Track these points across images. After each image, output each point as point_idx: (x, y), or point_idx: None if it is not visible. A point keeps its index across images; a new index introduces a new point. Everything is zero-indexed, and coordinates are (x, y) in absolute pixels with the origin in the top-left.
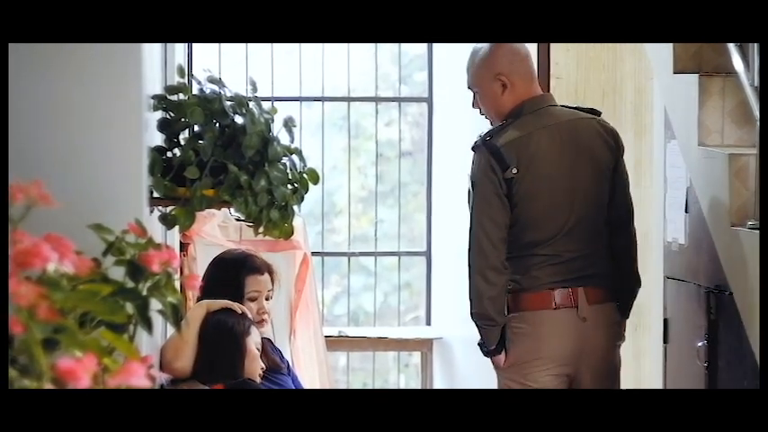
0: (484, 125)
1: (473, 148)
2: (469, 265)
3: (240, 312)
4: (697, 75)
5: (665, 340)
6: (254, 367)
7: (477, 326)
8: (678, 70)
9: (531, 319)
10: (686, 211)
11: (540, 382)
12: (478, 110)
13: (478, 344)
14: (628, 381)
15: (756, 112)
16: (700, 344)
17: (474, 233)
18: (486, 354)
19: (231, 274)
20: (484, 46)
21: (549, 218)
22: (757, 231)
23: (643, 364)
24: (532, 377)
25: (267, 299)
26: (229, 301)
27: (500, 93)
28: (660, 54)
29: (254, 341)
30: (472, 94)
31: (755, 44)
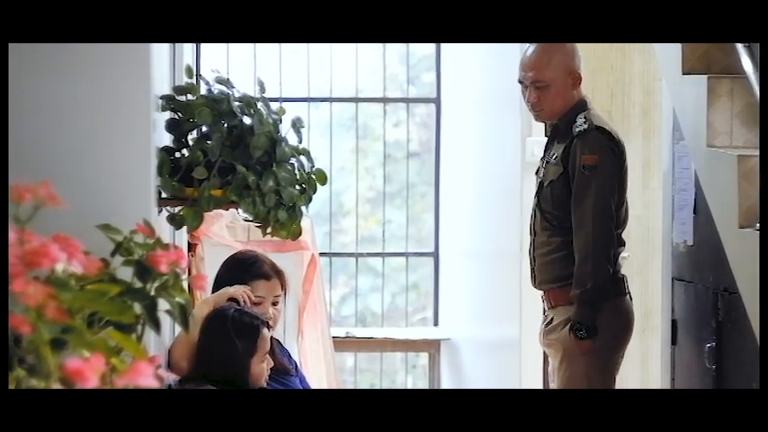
0: (491, 126)
1: (585, 133)
2: (592, 245)
3: (243, 300)
4: (706, 76)
5: (673, 342)
6: (261, 369)
7: (590, 305)
8: (687, 71)
9: (624, 307)
10: (694, 213)
11: (618, 366)
12: (530, 103)
13: (582, 328)
14: (635, 382)
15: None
16: (708, 345)
17: (599, 214)
18: (585, 336)
19: (236, 276)
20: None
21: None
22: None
23: (651, 365)
24: (615, 363)
25: (275, 304)
26: (229, 289)
27: (570, 87)
28: (668, 55)
29: (264, 341)
30: (527, 87)
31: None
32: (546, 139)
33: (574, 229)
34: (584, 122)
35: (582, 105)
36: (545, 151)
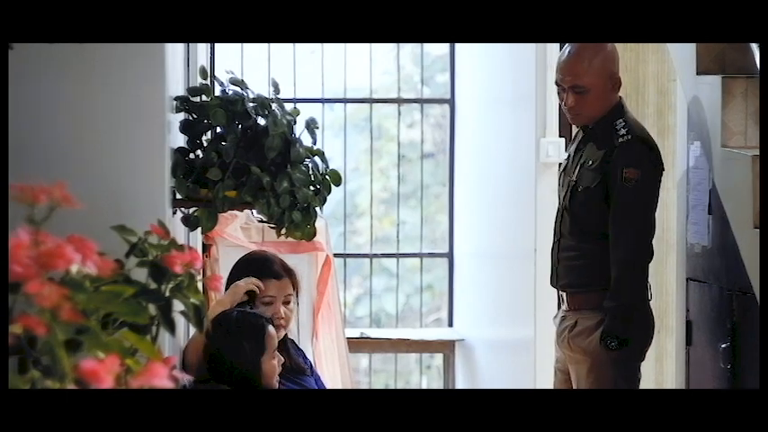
0: (505, 126)
1: (629, 144)
2: (633, 260)
3: (255, 290)
4: (720, 76)
5: (689, 342)
6: (272, 366)
7: (627, 319)
8: (701, 72)
9: (649, 312)
10: (709, 213)
11: (640, 369)
12: (567, 106)
13: (615, 340)
14: (650, 383)
15: None
16: (723, 346)
17: (641, 230)
18: (617, 347)
19: (246, 276)
20: (590, 44)
21: None
22: None
23: (666, 366)
24: (639, 367)
25: (287, 303)
26: (239, 283)
27: (610, 91)
28: (683, 55)
29: (271, 338)
30: (565, 90)
31: None
32: (572, 137)
33: (612, 240)
34: (627, 132)
35: (619, 109)
36: (576, 152)
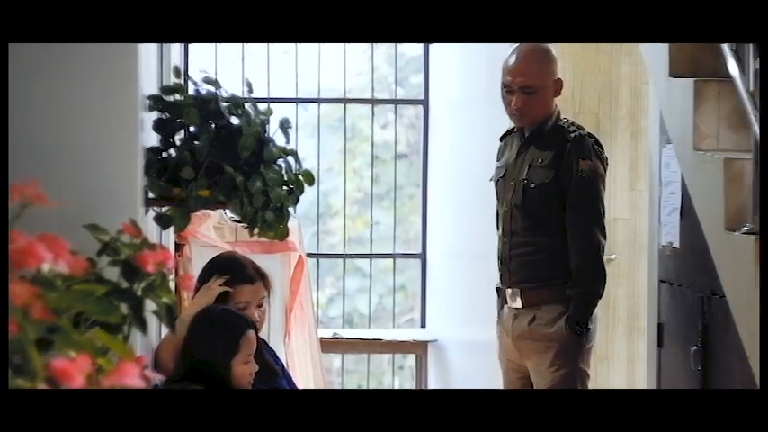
0: (479, 128)
1: (581, 139)
2: (593, 247)
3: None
4: (693, 79)
5: (660, 344)
6: (243, 370)
7: (591, 303)
8: (674, 74)
9: None
10: (681, 216)
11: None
12: (514, 107)
13: (582, 324)
14: (621, 384)
15: (752, 117)
16: (694, 348)
17: (598, 217)
18: (583, 333)
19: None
20: (539, 46)
21: None
22: (752, 236)
23: (637, 367)
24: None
25: (260, 305)
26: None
27: (553, 93)
28: (656, 58)
29: (248, 342)
30: (513, 93)
31: (751, 49)
32: (502, 148)
33: (570, 231)
34: (576, 128)
35: (558, 112)
36: (518, 155)
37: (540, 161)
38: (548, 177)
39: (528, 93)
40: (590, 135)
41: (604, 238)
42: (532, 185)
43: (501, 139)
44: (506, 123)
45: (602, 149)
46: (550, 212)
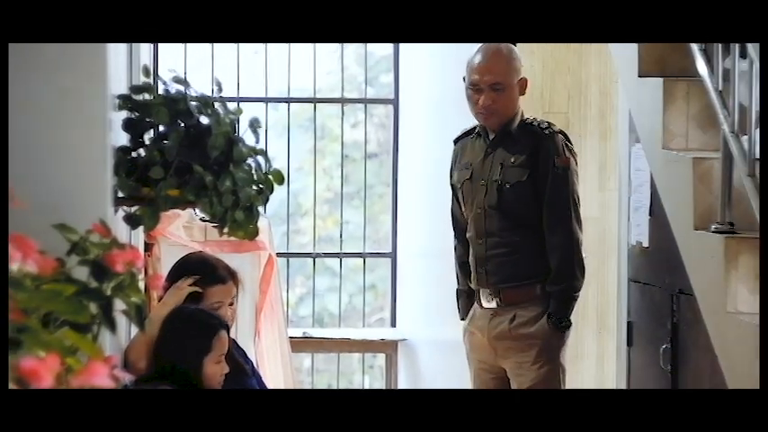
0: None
1: (553, 134)
2: (572, 243)
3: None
4: (662, 78)
5: (629, 343)
6: (215, 370)
7: (573, 299)
8: (643, 74)
9: None
10: (650, 215)
11: None
12: (482, 106)
13: (565, 320)
14: (591, 383)
15: (720, 117)
16: (663, 347)
17: (575, 212)
18: (566, 329)
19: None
20: (504, 45)
21: None
22: (721, 235)
23: (606, 366)
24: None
25: (231, 304)
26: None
27: (518, 92)
28: (625, 57)
29: (221, 342)
30: (480, 91)
31: (720, 48)
32: (459, 153)
33: (549, 227)
34: (548, 125)
35: (521, 111)
36: (485, 157)
37: (512, 161)
38: (523, 176)
39: (496, 90)
40: (562, 131)
41: (582, 231)
42: (508, 185)
43: (455, 141)
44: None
45: (572, 144)
46: (527, 211)
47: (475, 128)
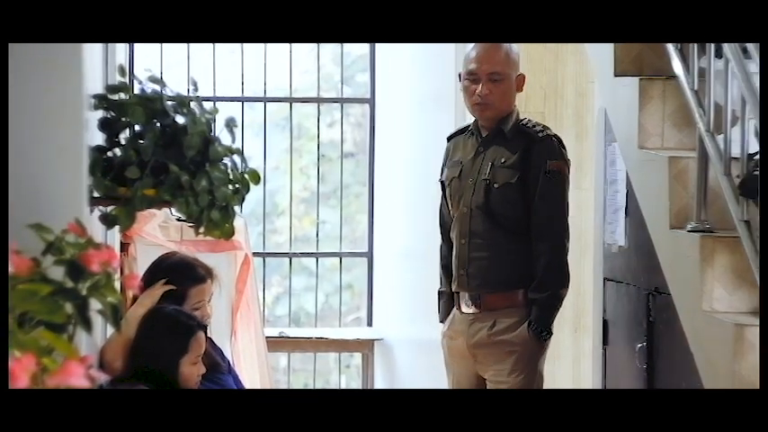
0: (425, 126)
1: (548, 139)
2: (559, 250)
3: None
4: (638, 78)
5: (605, 342)
6: (191, 370)
7: (555, 308)
8: (619, 73)
9: None
10: (626, 214)
11: None
12: (479, 96)
13: (546, 331)
14: (567, 382)
15: (696, 116)
16: (639, 345)
17: (564, 219)
18: (548, 337)
19: (173, 285)
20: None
21: None
22: (696, 234)
23: (583, 365)
24: None
25: (208, 301)
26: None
27: (516, 87)
28: (601, 57)
29: (198, 343)
30: (478, 81)
31: (695, 48)
32: (451, 150)
33: (536, 232)
34: (542, 128)
35: (518, 111)
36: (476, 155)
37: (503, 161)
38: (512, 177)
39: (494, 81)
40: (556, 135)
41: (569, 240)
42: (496, 185)
43: (449, 139)
44: (453, 122)
45: (566, 150)
46: (514, 214)
47: (469, 126)
